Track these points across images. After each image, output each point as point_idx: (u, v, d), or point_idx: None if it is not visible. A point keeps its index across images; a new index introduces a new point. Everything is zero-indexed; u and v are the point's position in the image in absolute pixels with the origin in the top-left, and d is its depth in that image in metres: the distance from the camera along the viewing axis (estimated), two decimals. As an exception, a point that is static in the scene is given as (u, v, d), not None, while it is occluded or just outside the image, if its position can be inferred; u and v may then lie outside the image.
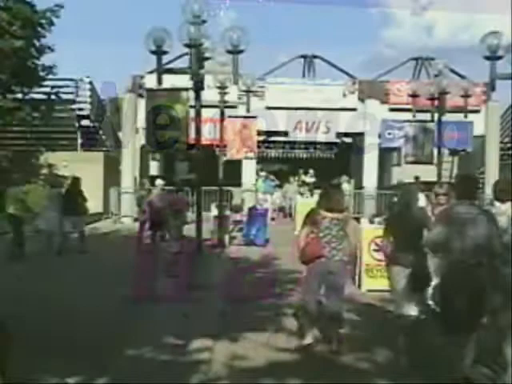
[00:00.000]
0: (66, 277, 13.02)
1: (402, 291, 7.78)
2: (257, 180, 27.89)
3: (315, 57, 32.71)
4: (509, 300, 6.53)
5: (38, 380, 6.59)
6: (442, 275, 6.84)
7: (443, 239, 6.63)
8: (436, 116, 18.45)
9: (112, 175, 26.98)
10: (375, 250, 12.04)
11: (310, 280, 8.18)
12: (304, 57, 32.80)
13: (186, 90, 14.31)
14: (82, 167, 25.23)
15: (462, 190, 7.03)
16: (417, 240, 7.53)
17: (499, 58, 13.49)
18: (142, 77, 27.62)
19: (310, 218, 8.42)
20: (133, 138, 27.76)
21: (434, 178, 18.66)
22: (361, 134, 29.31)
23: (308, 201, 23.92)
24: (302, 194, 25.89)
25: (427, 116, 20.77)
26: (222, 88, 18.63)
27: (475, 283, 6.44)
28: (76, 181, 18.04)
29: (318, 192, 24.90)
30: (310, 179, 30.46)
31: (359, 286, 12.29)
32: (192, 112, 13.87)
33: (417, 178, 27.18)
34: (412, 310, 7.75)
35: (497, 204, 7.46)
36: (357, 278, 12.53)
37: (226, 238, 18.89)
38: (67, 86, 27.80)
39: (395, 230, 8.04)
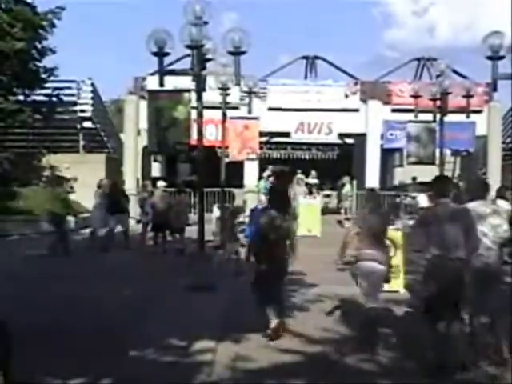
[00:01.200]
0: (75, 277, 13.03)
1: (371, 285, 8.31)
2: (259, 180, 27.88)
3: (317, 58, 32.73)
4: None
5: (40, 381, 6.59)
6: (425, 270, 7.31)
7: (426, 238, 7.16)
8: (438, 116, 18.41)
9: (114, 177, 26.97)
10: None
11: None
12: (306, 58, 32.81)
13: (188, 91, 14.29)
14: (83, 169, 25.29)
15: (439, 189, 7.45)
16: (382, 239, 8.40)
17: (501, 57, 13.45)
18: (143, 78, 27.64)
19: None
20: (135, 139, 27.77)
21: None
22: (363, 135, 29.29)
23: (310, 202, 23.94)
24: (310, 193, 25.93)
25: (429, 116, 20.73)
26: (224, 89, 18.61)
27: (455, 276, 6.94)
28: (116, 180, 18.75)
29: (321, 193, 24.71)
30: (312, 180, 30.44)
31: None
32: (194, 113, 13.84)
33: (414, 178, 27.20)
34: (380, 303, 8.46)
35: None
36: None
37: (229, 239, 18.86)
38: (69, 88, 27.85)
39: (362, 231, 8.47)
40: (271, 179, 28.50)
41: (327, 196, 32.80)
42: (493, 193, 23.06)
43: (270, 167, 28.62)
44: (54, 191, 17.75)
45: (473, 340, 7.49)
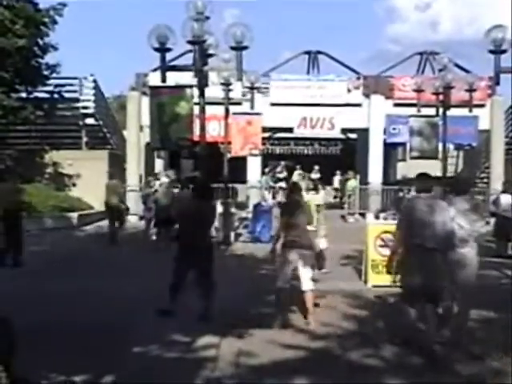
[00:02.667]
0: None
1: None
2: (262, 176, 27.93)
3: (319, 53, 32.65)
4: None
5: (44, 378, 6.58)
6: (403, 258, 7.93)
7: (405, 227, 7.78)
8: (441, 111, 18.39)
9: (117, 173, 26.98)
10: (381, 246, 12.04)
11: None
12: (308, 53, 32.73)
13: (190, 87, 14.26)
14: (86, 165, 25.28)
15: (420, 185, 8.08)
16: (303, 227, 9.12)
17: (503, 51, 13.41)
18: (145, 74, 27.59)
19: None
20: (137, 135, 27.76)
21: (439, 173, 18.58)
22: (366, 130, 29.26)
23: (313, 197, 23.89)
24: (315, 189, 25.84)
25: (432, 111, 20.71)
26: (226, 85, 18.60)
27: (432, 264, 7.50)
28: None
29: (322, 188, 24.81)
30: (315, 175, 30.45)
31: (365, 281, 12.26)
32: (196, 109, 13.84)
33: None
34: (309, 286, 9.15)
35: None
36: (363, 273, 12.52)
37: (232, 234, 18.87)
38: (71, 85, 27.81)
39: (287, 221, 9.25)
40: (271, 174, 28.71)
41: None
42: (496, 186, 23.12)
43: (282, 163, 28.75)
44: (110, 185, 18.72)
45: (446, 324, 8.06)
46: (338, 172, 32.05)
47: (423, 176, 8.32)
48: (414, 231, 7.63)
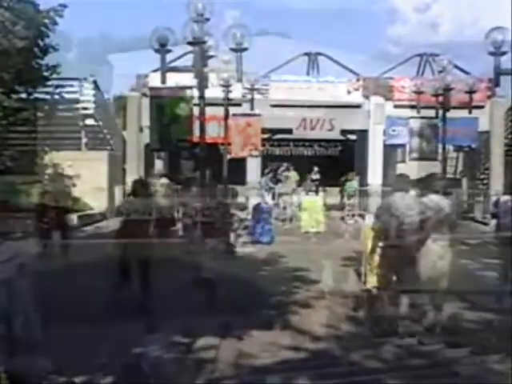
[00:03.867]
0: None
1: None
2: (262, 177, 27.89)
3: (319, 54, 32.64)
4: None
5: (44, 378, 6.57)
6: (383, 251, 8.71)
7: (384, 223, 8.42)
8: (441, 112, 18.41)
9: (117, 174, 26.96)
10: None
11: None
12: (308, 54, 32.73)
13: (190, 88, 14.30)
14: (86, 166, 25.25)
15: (399, 184, 8.85)
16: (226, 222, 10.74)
17: (503, 53, 13.42)
18: (146, 75, 27.58)
19: None
20: (137, 136, 27.74)
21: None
22: (365, 131, 29.25)
23: (313, 198, 23.92)
24: (309, 192, 25.83)
25: (432, 112, 20.74)
26: (226, 86, 18.60)
27: (409, 257, 8.20)
28: None
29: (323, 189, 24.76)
30: (314, 176, 30.43)
31: (365, 282, 12.24)
32: (196, 110, 13.85)
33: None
34: None
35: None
36: (362, 275, 12.50)
37: (232, 235, 18.85)
38: (71, 86, 27.77)
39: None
40: (270, 175, 28.77)
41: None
42: (496, 187, 23.12)
43: (285, 164, 28.87)
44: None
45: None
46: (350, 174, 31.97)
47: (401, 177, 9.21)
48: (390, 226, 8.30)
